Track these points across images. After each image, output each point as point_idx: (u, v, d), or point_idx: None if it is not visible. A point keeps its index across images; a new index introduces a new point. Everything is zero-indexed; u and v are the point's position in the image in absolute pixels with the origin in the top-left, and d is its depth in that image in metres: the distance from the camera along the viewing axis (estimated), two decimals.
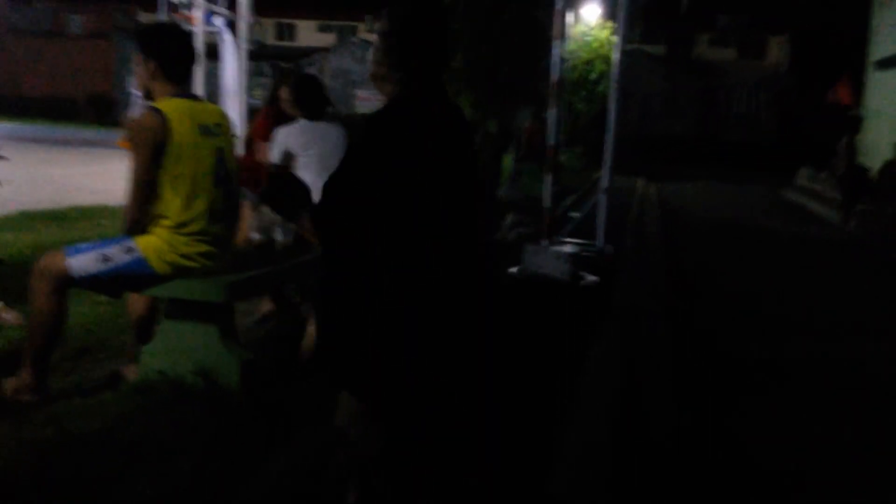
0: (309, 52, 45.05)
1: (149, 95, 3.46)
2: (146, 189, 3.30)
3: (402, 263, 1.98)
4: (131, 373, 3.61)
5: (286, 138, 4.46)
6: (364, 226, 1.98)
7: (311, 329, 4.01)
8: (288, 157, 4.44)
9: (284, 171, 4.34)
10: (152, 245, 3.36)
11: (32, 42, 42.19)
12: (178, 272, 3.41)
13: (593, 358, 4.58)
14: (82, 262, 3.32)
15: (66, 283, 3.34)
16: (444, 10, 2.24)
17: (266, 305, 4.93)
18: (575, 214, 9.91)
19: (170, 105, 3.34)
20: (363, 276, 1.98)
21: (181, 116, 3.32)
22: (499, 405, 3.61)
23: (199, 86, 6.85)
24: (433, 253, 2.01)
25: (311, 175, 4.53)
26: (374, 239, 1.98)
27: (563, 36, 7.35)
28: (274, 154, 4.48)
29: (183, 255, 3.38)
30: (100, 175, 12.98)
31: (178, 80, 3.44)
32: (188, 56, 3.48)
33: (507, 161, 13.76)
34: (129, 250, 3.35)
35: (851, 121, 12.36)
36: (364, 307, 1.97)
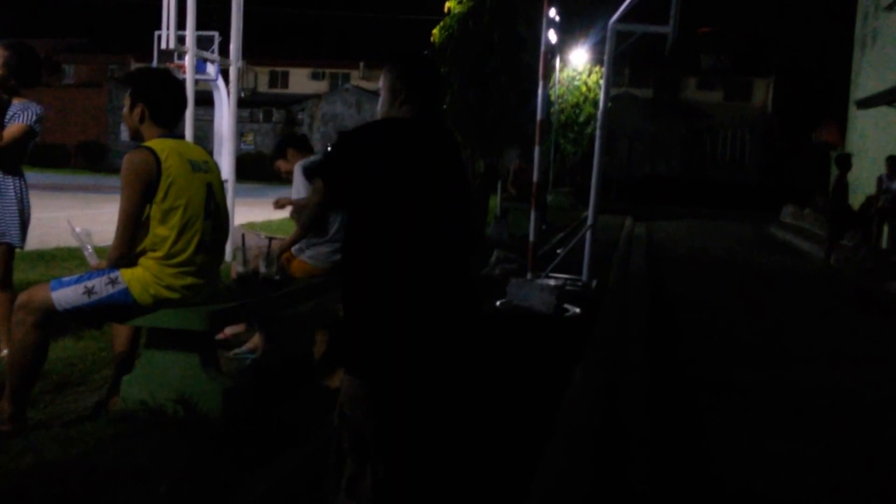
0: (301, 98, 45.54)
1: (136, 137, 3.53)
2: (135, 226, 3.36)
3: (385, 253, 2.27)
4: (113, 403, 3.61)
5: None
6: (355, 220, 2.32)
7: (319, 337, 4.14)
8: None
9: None
10: (138, 277, 3.39)
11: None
12: (161, 303, 3.45)
13: (575, 383, 4.61)
14: (66, 294, 3.35)
15: (50, 316, 3.36)
16: (434, 64, 2.81)
17: (254, 340, 4.96)
18: (560, 251, 9.99)
19: (159, 144, 3.41)
20: (359, 267, 2.31)
21: (171, 153, 3.39)
22: (481, 421, 3.66)
23: (188, 132, 6.92)
24: (414, 245, 2.29)
25: None
26: (362, 234, 2.30)
27: (548, 77, 7.51)
28: (303, 183, 4.72)
29: (168, 287, 3.42)
30: (89, 218, 12.94)
31: (166, 124, 3.52)
32: (177, 101, 3.56)
33: (494, 201, 13.89)
34: (113, 282, 3.37)
35: (842, 159, 12.54)
36: (361, 294, 2.30)
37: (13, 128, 4.25)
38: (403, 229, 2.29)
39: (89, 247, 3.72)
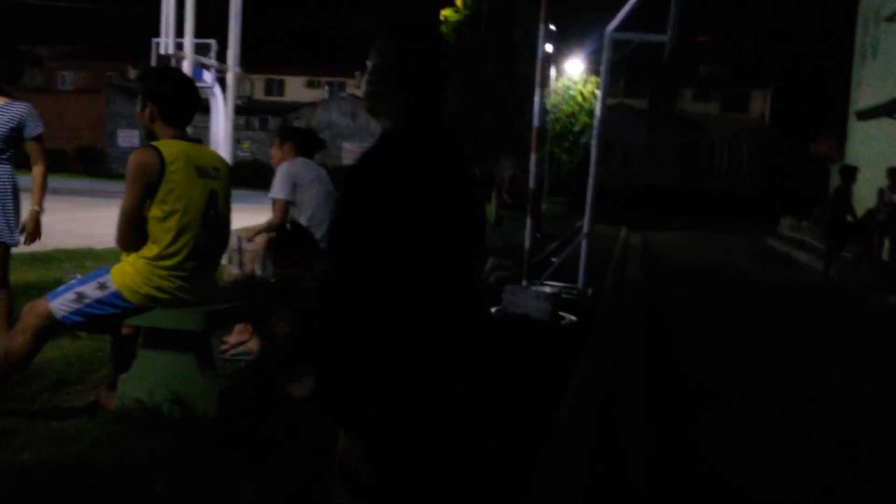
0: (297, 106, 45.72)
1: (150, 137, 3.56)
2: (134, 221, 3.39)
3: (401, 300, 1.93)
4: (109, 402, 3.63)
5: (295, 169, 4.70)
6: (362, 264, 1.92)
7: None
8: (295, 188, 4.61)
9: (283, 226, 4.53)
10: (127, 279, 3.43)
11: (24, 97, 42.74)
12: (154, 304, 3.47)
13: (571, 388, 4.63)
14: (61, 302, 3.42)
15: (53, 326, 3.44)
16: (440, 39, 2.15)
17: (252, 342, 4.98)
18: (556, 259, 10.02)
19: (168, 145, 3.44)
20: (363, 314, 1.93)
21: (177, 157, 3.42)
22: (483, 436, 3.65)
23: None
24: (434, 288, 1.96)
25: (315, 208, 4.68)
26: (372, 275, 1.92)
27: (545, 84, 7.56)
28: (283, 185, 4.67)
29: (157, 288, 3.44)
30: (86, 221, 13.02)
31: (178, 123, 3.54)
32: (188, 100, 3.58)
33: (489, 208, 13.92)
34: (103, 286, 3.43)
35: (846, 170, 12.52)
36: (362, 346, 1.94)
37: (39, 148, 4.36)
38: (424, 278, 1.95)
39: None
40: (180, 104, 3.54)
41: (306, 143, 5.13)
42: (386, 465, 2.04)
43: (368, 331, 1.93)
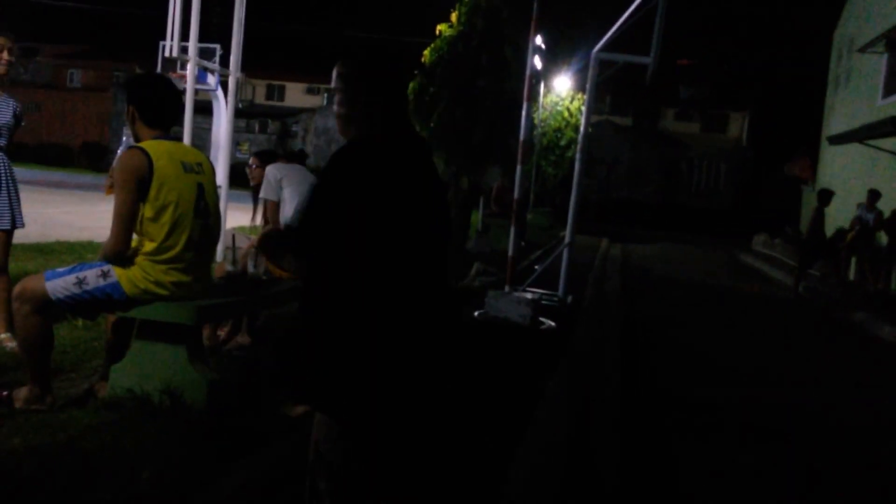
0: (296, 111, 45.98)
1: (135, 138, 3.70)
2: (129, 222, 3.50)
3: (368, 288, 2.04)
4: (101, 389, 3.73)
5: (281, 172, 4.93)
6: (333, 254, 2.06)
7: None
8: (280, 188, 4.81)
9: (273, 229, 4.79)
10: (129, 271, 3.53)
11: (33, 93, 43.36)
12: (151, 298, 3.58)
13: (548, 391, 4.75)
14: (59, 284, 3.50)
15: (46, 305, 3.51)
16: (397, 56, 2.33)
17: (239, 338, 5.13)
18: (539, 267, 10.23)
19: (152, 145, 3.57)
20: (335, 300, 2.05)
21: (163, 154, 3.55)
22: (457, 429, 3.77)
23: (187, 138, 7.08)
24: (400, 279, 2.08)
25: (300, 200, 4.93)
26: (342, 266, 2.05)
27: (532, 99, 7.79)
28: (268, 187, 4.91)
29: (156, 283, 3.55)
30: (88, 214, 13.13)
31: (159, 126, 3.67)
32: (168, 104, 3.72)
33: (476, 216, 14.12)
34: (105, 275, 3.52)
35: (823, 193, 12.88)
36: (336, 330, 2.04)
37: None
38: (391, 267, 2.08)
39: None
40: (160, 108, 3.68)
41: (293, 158, 5.38)
42: (359, 450, 2.12)
43: (338, 317, 2.04)
